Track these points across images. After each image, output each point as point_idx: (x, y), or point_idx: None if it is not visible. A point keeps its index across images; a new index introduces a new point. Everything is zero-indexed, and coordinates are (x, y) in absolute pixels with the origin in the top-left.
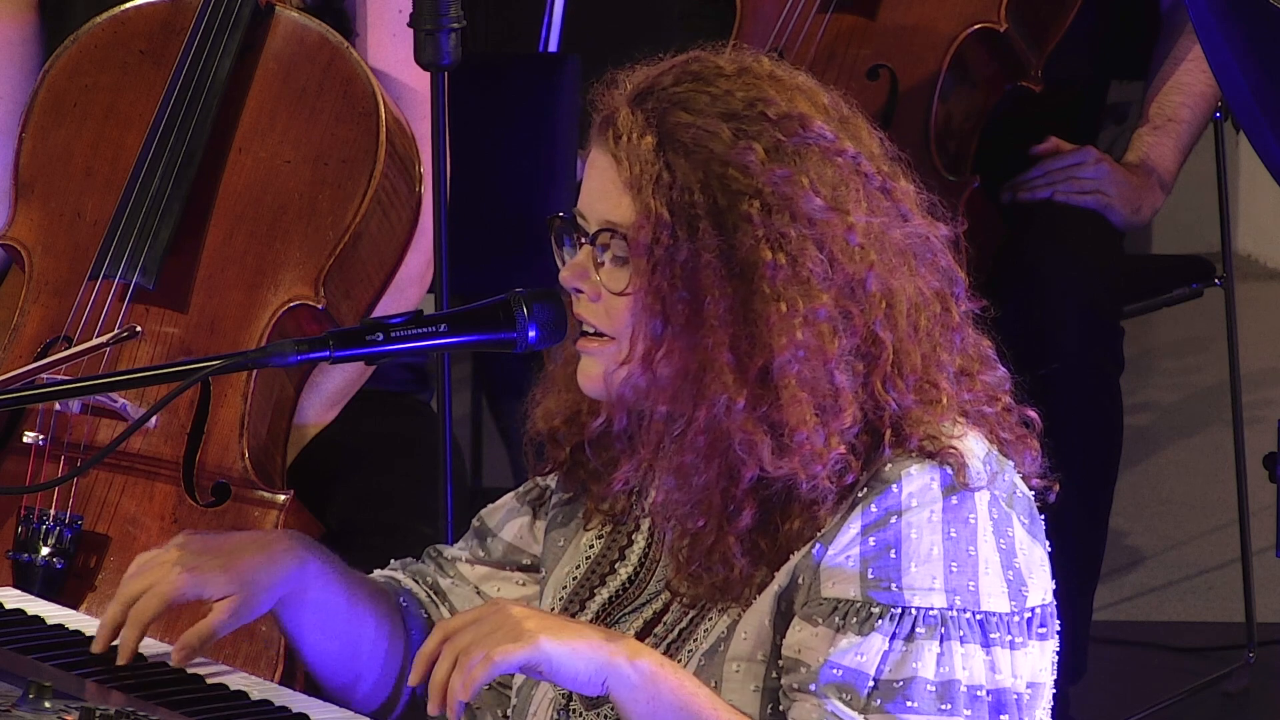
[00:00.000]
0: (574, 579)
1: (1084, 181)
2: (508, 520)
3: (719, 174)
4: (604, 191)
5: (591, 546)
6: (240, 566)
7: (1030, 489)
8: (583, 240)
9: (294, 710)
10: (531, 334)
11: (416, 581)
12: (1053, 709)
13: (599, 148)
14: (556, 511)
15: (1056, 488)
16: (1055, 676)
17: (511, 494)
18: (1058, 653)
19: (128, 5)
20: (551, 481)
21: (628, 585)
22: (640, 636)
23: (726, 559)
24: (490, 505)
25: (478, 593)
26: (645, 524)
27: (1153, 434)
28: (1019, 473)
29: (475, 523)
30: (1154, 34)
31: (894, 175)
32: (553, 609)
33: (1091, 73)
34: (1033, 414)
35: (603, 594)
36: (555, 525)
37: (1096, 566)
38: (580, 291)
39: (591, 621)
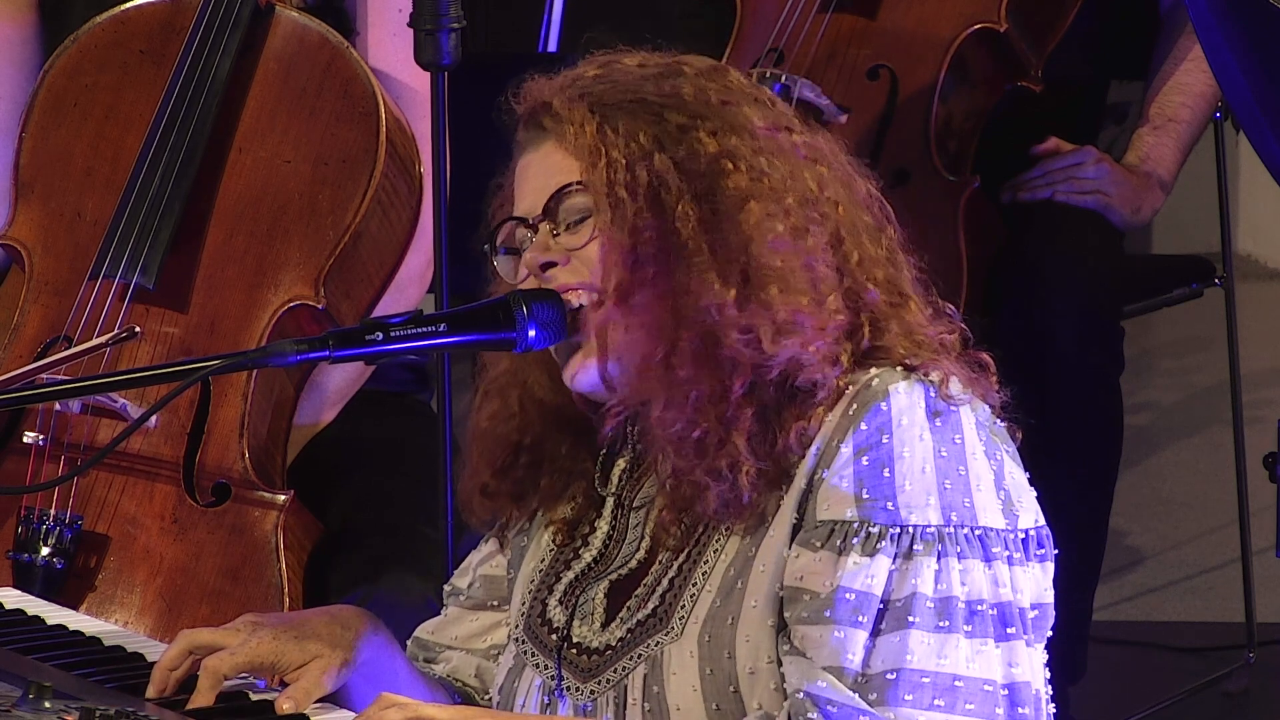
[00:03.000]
0: (540, 571)
1: (1084, 181)
2: (475, 565)
3: (657, 116)
4: (546, 168)
5: (554, 541)
6: (317, 634)
7: None
8: (534, 222)
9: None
10: (531, 333)
11: (450, 679)
12: (1053, 709)
13: (531, 144)
14: (518, 532)
15: (1020, 435)
16: (1055, 675)
17: (470, 554)
18: (1053, 654)
19: (128, 5)
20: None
21: (593, 565)
22: (611, 600)
23: (735, 461)
24: (454, 573)
25: (470, 654)
26: (606, 509)
27: (1153, 434)
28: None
29: (446, 588)
30: (1154, 34)
31: (814, 129)
32: (524, 603)
33: (1091, 73)
34: (986, 357)
35: (568, 576)
36: (519, 534)
37: (1096, 566)
38: (550, 264)
39: (561, 597)
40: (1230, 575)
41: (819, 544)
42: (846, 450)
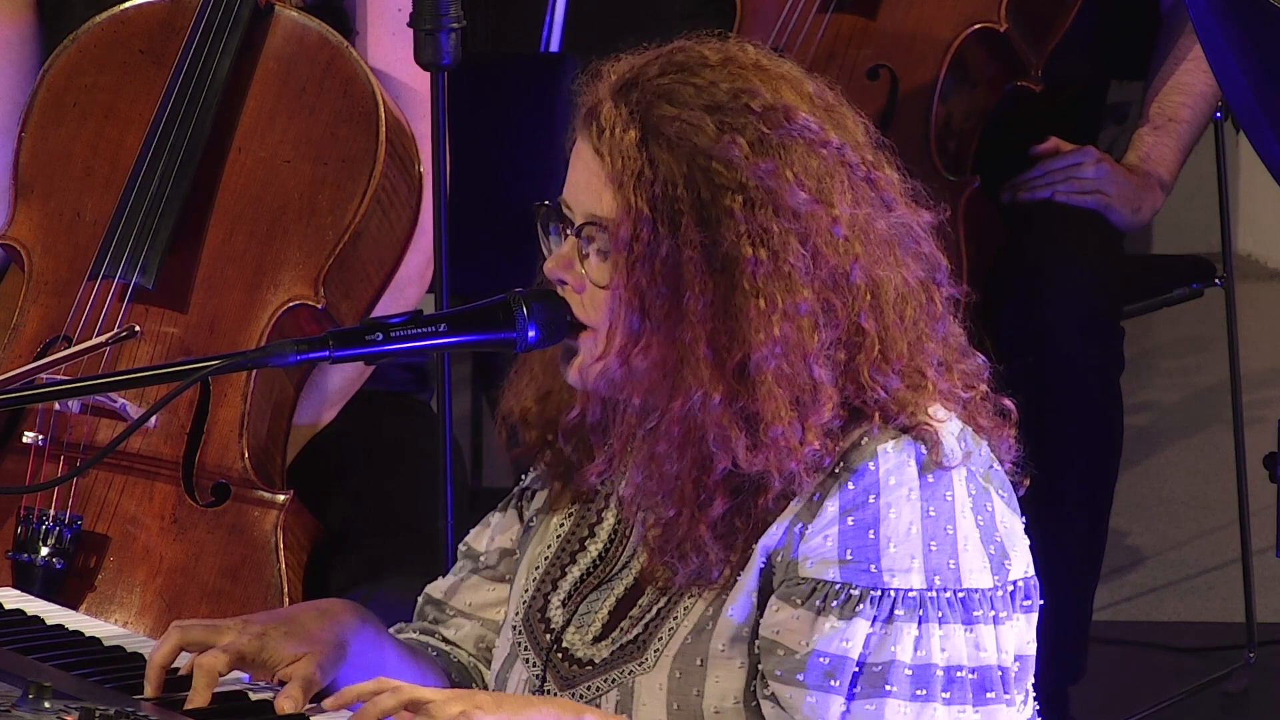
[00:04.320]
0: (545, 558)
1: (1084, 181)
2: (495, 534)
3: (703, 167)
4: (588, 183)
5: (562, 525)
6: (307, 632)
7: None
8: (568, 231)
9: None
10: (531, 334)
11: (449, 645)
12: (1053, 709)
13: (583, 140)
14: (535, 499)
15: (1027, 483)
16: (1055, 675)
17: (489, 514)
18: (1053, 654)
19: (127, 5)
20: (527, 479)
21: (598, 562)
22: (613, 617)
23: (699, 547)
24: (471, 532)
25: (482, 625)
26: (614, 500)
27: (1153, 434)
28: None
29: (462, 548)
30: (1154, 34)
31: (878, 164)
32: (526, 589)
33: (1091, 73)
34: (1009, 403)
35: (574, 572)
36: (532, 514)
37: (1097, 566)
38: (564, 283)
39: (565, 598)
40: (1230, 575)
41: (799, 601)
42: (832, 508)
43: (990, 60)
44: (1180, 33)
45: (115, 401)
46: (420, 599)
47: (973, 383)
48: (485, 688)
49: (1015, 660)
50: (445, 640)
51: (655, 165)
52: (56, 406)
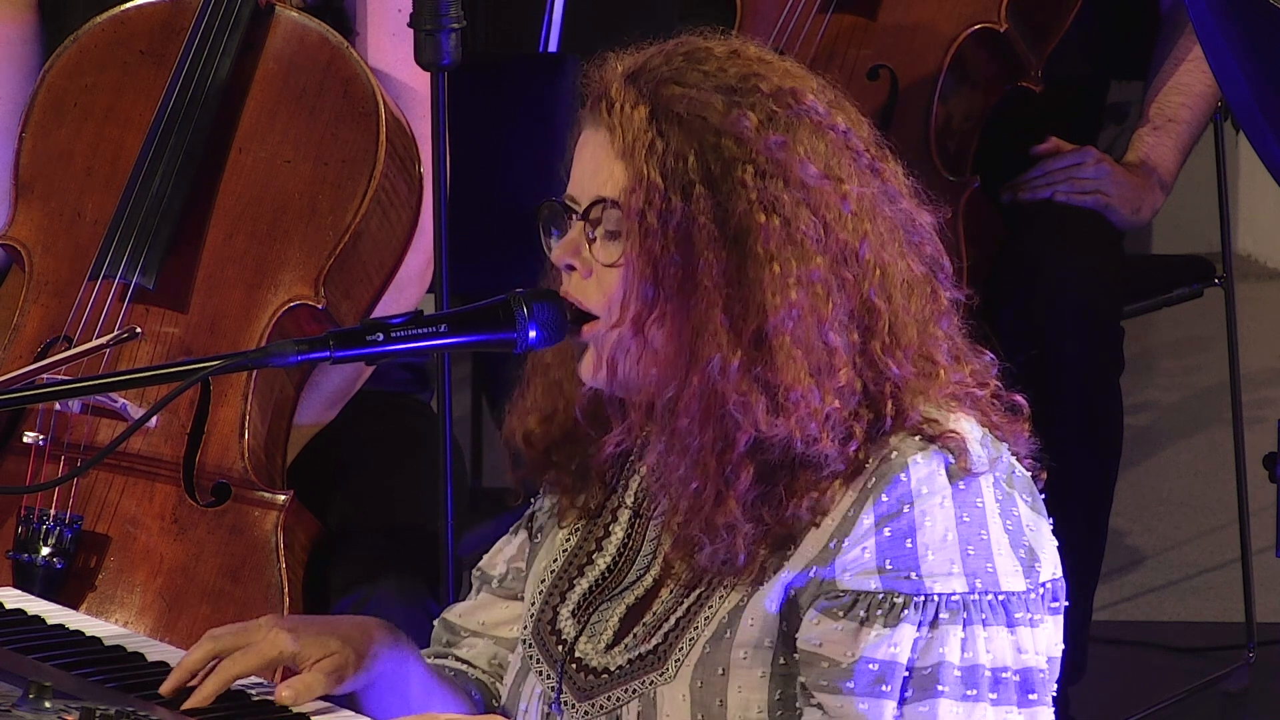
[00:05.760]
0: (552, 572)
1: (1084, 182)
2: (506, 552)
3: (713, 143)
4: (596, 167)
5: (568, 540)
6: (338, 633)
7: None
8: (573, 218)
9: (294, 711)
10: (532, 334)
11: (463, 663)
12: (1053, 709)
13: (590, 125)
14: (538, 528)
15: (1044, 475)
16: (1056, 674)
17: (500, 540)
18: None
19: (128, 5)
20: (535, 502)
21: (606, 575)
22: (624, 624)
23: (730, 523)
24: (484, 558)
25: (495, 643)
26: (624, 515)
27: (1153, 434)
28: (1013, 455)
29: (475, 572)
30: (1154, 34)
31: (883, 157)
32: (533, 603)
33: (1091, 73)
34: (1020, 399)
35: (582, 584)
36: (538, 530)
37: (1097, 566)
38: (572, 268)
39: (574, 609)
40: (1230, 575)
41: (841, 613)
42: (867, 521)
43: (990, 60)
44: (1180, 33)
45: (116, 402)
46: (437, 623)
47: (984, 379)
48: (499, 704)
49: (1047, 661)
50: (459, 659)
51: (665, 138)
52: (57, 407)
